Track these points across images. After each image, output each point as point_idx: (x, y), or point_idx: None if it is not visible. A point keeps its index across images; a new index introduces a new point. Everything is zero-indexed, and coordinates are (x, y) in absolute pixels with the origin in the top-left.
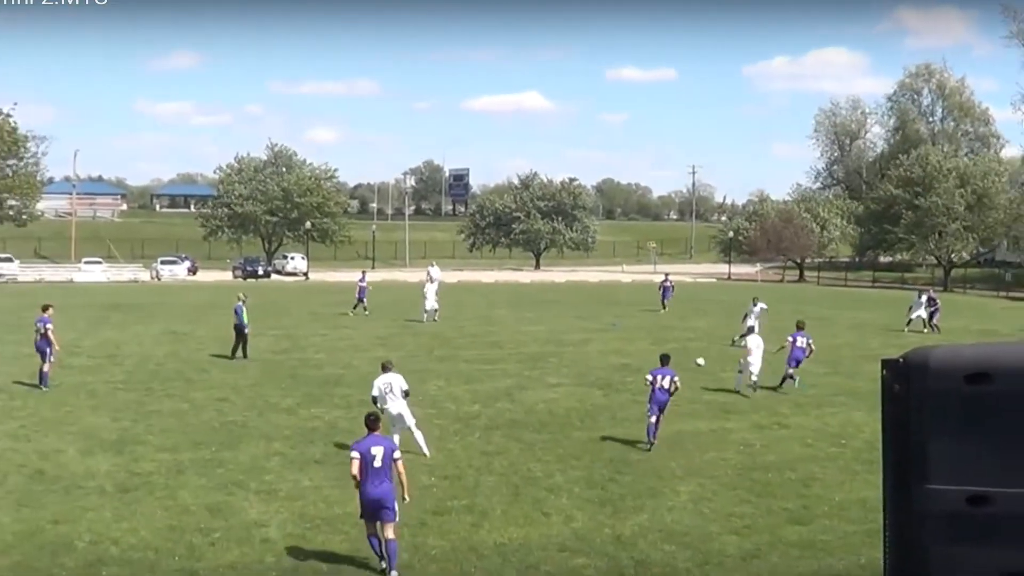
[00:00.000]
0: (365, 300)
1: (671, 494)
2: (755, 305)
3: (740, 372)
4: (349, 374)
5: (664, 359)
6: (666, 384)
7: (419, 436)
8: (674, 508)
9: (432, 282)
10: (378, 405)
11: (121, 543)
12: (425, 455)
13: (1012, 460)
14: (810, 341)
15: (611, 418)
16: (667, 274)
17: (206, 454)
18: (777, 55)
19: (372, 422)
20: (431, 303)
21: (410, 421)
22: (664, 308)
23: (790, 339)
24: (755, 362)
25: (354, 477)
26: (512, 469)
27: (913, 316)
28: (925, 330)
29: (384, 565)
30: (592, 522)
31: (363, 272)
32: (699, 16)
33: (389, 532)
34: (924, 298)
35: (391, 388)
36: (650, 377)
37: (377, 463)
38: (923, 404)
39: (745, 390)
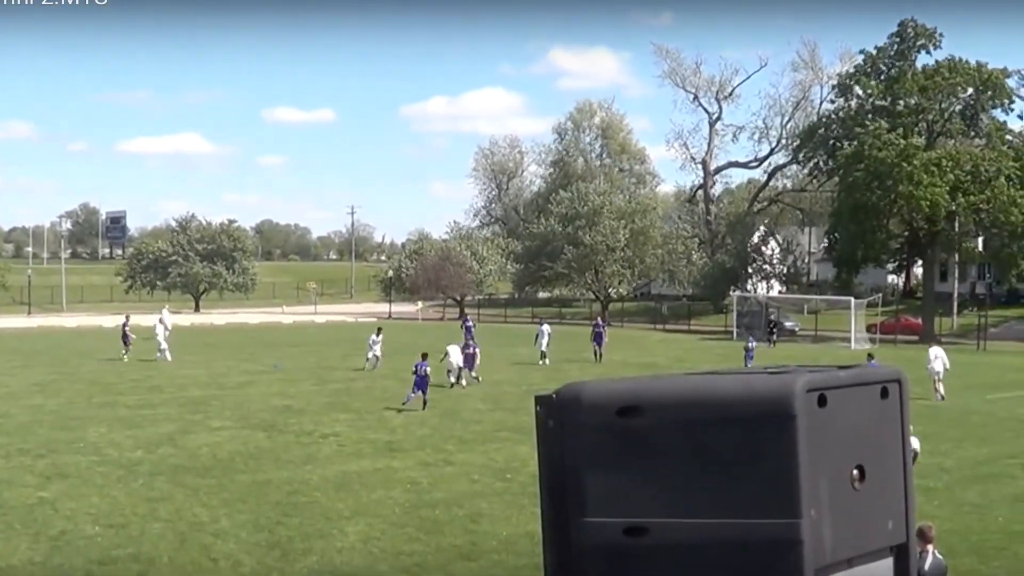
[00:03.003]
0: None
1: (340, 535)
2: (543, 325)
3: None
4: (6, 423)
5: (424, 355)
6: (425, 372)
7: None
8: (343, 549)
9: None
10: None
11: None
12: None
13: (664, 490)
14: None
15: (275, 460)
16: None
17: None
18: (434, 95)
19: None
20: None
21: None
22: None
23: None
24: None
25: None
26: (178, 515)
27: (543, 348)
28: (540, 362)
29: None
30: (260, 566)
31: (127, 315)
32: (355, 56)
33: None
34: (546, 327)
35: None
36: (415, 367)
37: None
38: (577, 438)
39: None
